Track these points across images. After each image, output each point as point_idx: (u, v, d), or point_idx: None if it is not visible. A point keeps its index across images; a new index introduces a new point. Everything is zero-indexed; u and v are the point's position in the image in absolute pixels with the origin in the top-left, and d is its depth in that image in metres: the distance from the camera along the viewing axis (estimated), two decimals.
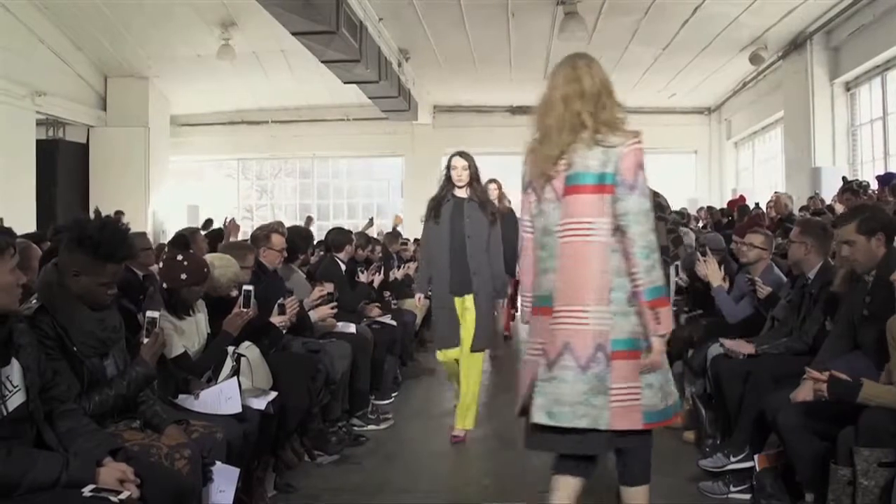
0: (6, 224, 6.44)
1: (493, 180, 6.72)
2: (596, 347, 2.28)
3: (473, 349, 4.49)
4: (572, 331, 2.31)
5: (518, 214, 7.46)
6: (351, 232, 6.39)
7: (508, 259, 6.42)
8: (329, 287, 4.87)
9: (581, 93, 2.39)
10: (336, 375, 4.32)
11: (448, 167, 4.49)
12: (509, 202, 7.52)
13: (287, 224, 5.59)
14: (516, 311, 8.37)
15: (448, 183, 4.49)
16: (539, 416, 2.33)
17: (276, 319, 3.91)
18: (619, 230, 2.30)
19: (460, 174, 4.42)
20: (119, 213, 11.22)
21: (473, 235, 4.42)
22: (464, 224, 4.42)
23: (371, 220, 11.69)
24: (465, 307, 4.46)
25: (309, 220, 13.05)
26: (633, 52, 11.13)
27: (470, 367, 4.52)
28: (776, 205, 8.41)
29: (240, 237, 7.23)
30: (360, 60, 8.49)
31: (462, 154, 4.50)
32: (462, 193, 4.46)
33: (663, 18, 9.73)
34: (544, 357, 2.35)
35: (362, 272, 6.06)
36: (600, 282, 2.30)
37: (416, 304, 5.11)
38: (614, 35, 10.34)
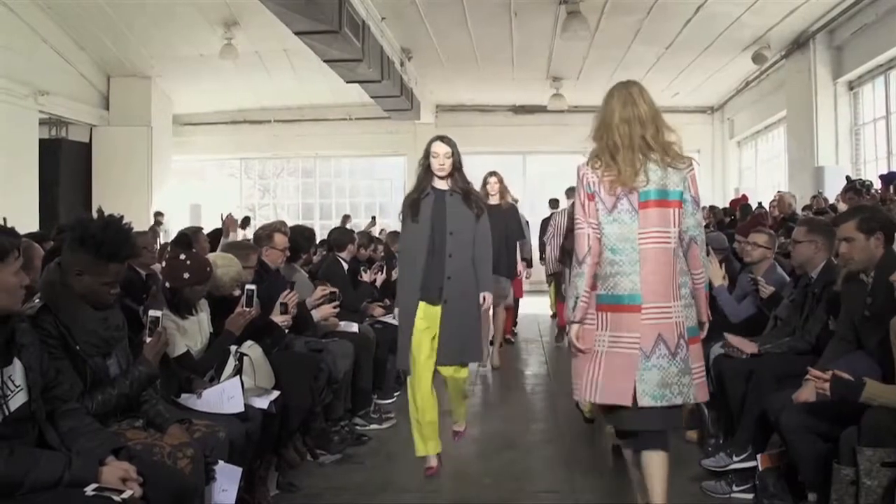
0: (9, 224, 6.44)
1: (493, 173, 6.44)
2: (678, 336, 2.71)
3: (443, 363, 3.80)
4: (663, 324, 2.70)
5: (520, 208, 7.44)
6: (353, 231, 6.40)
7: (505, 256, 6.29)
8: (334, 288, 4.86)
9: (639, 117, 2.74)
10: (338, 375, 4.32)
11: (427, 155, 3.85)
12: (513, 198, 7.21)
13: (290, 223, 5.59)
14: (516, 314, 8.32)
15: (427, 173, 3.85)
16: (645, 401, 2.68)
17: (278, 318, 3.91)
18: (681, 237, 2.76)
19: (442, 162, 3.79)
20: (158, 215, 11.33)
21: (456, 232, 3.80)
22: (446, 221, 3.80)
23: (374, 218, 11.70)
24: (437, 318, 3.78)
25: (346, 218, 13.10)
26: (635, 52, 11.11)
27: (451, 383, 3.96)
28: (780, 204, 8.40)
29: (240, 234, 7.23)
30: (362, 60, 8.48)
31: (444, 139, 3.86)
32: (443, 185, 3.84)
33: (666, 18, 9.71)
34: (640, 350, 2.69)
35: (365, 272, 6.06)
36: (675, 281, 2.73)
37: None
38: (617, 34, 10.33)
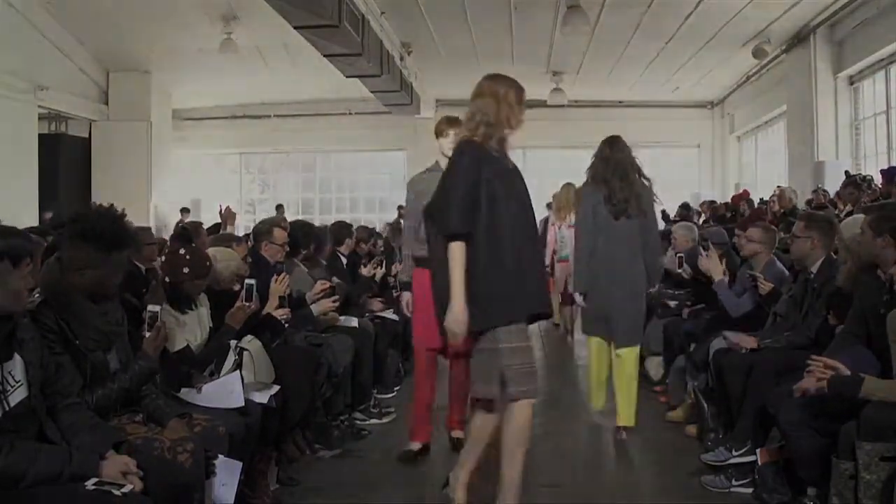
0: (6, 221, 6.42)
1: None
2: None
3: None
4: None
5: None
6: (351, 226, 6.39)
7: None
8: (339, 282, 4.84)
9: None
10: (338, 369, 4.32)
11: None
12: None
13: (289, 218, 5.59)
14: None
15: None
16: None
17: (277, 313, 3.91)
18: None
19: None
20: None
21: None
22: None
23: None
24: None
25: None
26: (636, 46, 11.10)
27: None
28: (780, 199, 8.40)
29: (242, 231, 7.23)
30: (362, 54, 8.48)
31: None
32: None
33: (666, 12, 9.70)
34: None
35: (364, 265, 6.05)
36: None
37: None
38: (617, 29, 10.32)
